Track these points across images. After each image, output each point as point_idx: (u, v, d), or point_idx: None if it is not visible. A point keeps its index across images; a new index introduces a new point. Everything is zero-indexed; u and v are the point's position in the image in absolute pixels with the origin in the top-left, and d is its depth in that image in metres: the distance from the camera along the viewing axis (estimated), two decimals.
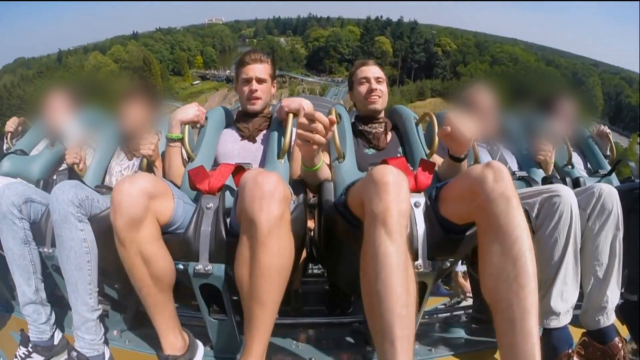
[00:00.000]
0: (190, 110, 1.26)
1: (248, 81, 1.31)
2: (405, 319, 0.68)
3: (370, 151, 1.30)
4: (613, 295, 0.99)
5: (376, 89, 1.32)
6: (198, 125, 1.31)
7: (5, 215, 0.97)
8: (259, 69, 1.32)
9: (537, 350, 0.67)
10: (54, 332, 1.04)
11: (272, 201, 0.78)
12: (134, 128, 1.37)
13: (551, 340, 0.95)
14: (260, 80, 1.32)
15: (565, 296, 0.94)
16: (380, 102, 1.34)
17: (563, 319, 0.95)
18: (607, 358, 0.93)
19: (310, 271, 2.74)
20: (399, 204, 0.73)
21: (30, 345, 1.01)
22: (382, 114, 1.38)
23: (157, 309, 0.91)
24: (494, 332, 0.74)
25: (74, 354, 0.92)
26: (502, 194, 0.74)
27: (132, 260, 0.85)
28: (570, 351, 0.93)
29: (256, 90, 1.30)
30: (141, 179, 0.87)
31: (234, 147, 1.30)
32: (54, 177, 1.48)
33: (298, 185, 1.10)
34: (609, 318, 0.98)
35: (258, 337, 0.81)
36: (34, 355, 1.01)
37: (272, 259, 0.79)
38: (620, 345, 0.94)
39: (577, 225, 0.94)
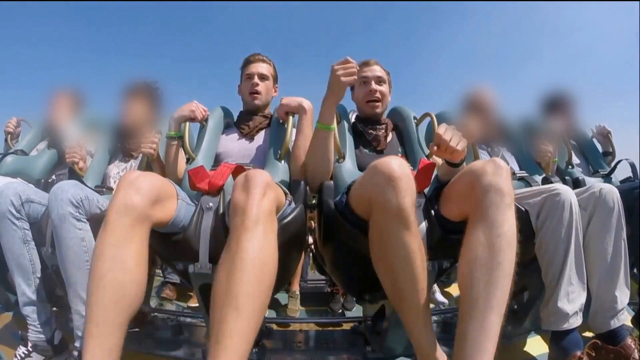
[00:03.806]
0: (186, 107, 1.25)
1: (250, 77, 1.37)
2: (425, 292, 0.77)
3: (370, 152, 1.30)
4: (622, 295, 0.97)
5: (375, 90, 1.30)
6: (205, 122, 1.30)
7: (5, 214, 0.98)
8: (262, 67, 1.38)
9: (491, 346, 0.67)
10: (53, 332, 1.04)
11: (261, 195, 0.75)
12: (134, 126, 1.37)
13: (560, 342, 0.94)
14: (262, 77, 1.37)
15: (572, 297, 0.92)
16: (380, 105, 1.32)
17: (572, 321, 0.92)
18: (621, 358, 0.91)
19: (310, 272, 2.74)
20: (412, 195, 0.75)
21: (30, 345, 1.01)
22: (384, 116, 1.37)
23: (96, 330, 0.66)
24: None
25: (75, 353, 0.92)
26: (498, 189, 0.76)
27: (105, 247, 0.70)
28: (580, 353, 0.91)
29: (257, 85, 1.35)
30: (152, 177, 0.83)
31: (233, 146, 1.30)
32: (54, 177, 1.48)
33: (298, 185, 1.10)
34: (620, 319, 0.96)
35: (226, 354, 0.60)
36: (33, 355, 1.01)
37: (255, 252, 0.67)
38: (632, 345, 0.92)
39: (579, 224, 0.94)
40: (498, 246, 0.71)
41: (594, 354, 0.92)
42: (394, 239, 0.75)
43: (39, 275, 1.03)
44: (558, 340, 0.94)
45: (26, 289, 1.01)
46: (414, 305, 0.77)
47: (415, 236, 0.76)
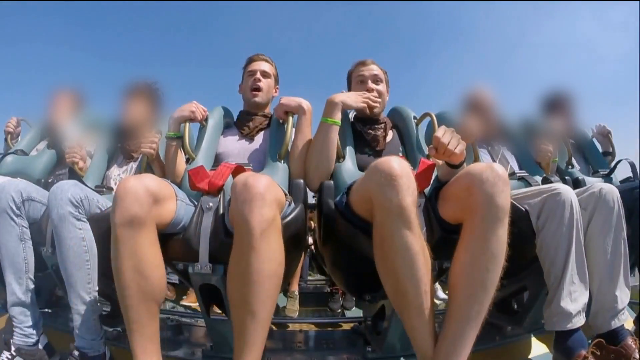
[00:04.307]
0: (186, 107, 1.25)
1: (253, 74, 1.38)
2: (428, 295, 0.77)
3: (370, 152, 1.29)
4: (622, 294, 0.97)
5: (372, 90, 1.29)
6: (205, 122, 1.29)
7: (5, 210, 0.97)
8: (265, 66, 1.40)
9: (464, 354, 0.75)
10: (39, 337, 1.01)
11: (263, 203, 0.76)
12: (134, 126, 1.37)
13: (565, 342, 0.93)
14: (264, 74, 1.38)
15: (574, 296, 0.92)
16: (377, 105, 1.29)
17: (575, 321, 0.92)
18: (622, 358, 0.91)
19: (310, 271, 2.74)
20: (413, 194, 0.75)
21: (13, 349, 0.97)
22: (382, 115, 1.36)
23: (137, 326, 0.80)
24: (495, 332, 0.75)
25: (75, 353, 0.92)
26: (494, 202, 0.75)
27: (123, 262, 0.78)
28: (585, 352, 0.91)
29: (259, 80, 1.36)
30: (148, 178, 0.84)
31: (234, 146, 1.30)
32: (53, 178, 1.48)
33: (298, 185, 1.10)
34: (620, 319, 0.96)
35: (250, 351, 0.76)
36: (17, 359, 0.97)
37: (263, 264, 0.75)
38: (633, 345, 0.92)
39: (580, 223, 0.93)
40: (485, 268, 0.76)
41: (599, 353, 0.92)
42: (396, 239, 0.74)
43: (31, 275, 1.01)
44: (562, 340, 0.94)
45: (16, 288, 0.98)
46: (416, 310, 0.76)
47: (418, 237, 0.75)
